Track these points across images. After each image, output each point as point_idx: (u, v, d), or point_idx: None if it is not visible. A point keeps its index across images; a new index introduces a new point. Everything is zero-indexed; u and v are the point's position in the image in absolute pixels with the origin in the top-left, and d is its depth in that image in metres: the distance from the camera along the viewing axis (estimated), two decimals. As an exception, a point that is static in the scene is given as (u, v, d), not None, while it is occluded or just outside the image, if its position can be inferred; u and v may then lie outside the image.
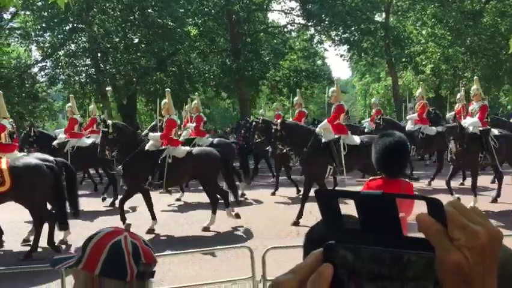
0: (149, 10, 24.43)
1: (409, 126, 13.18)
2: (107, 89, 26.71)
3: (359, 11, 26.23)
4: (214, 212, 8.69)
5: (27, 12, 24.80)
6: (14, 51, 29.50)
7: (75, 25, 25.27)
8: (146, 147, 8.87)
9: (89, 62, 26.34)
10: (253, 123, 11.97)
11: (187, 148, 9.36)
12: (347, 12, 25.90)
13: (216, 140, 12.71)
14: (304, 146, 8.97)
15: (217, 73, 27.29)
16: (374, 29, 27.37)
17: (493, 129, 10.12)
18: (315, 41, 30.29)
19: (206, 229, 8.60)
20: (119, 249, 1.33)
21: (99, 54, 25.33)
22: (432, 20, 26.73)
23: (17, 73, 25.59)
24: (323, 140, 9.16)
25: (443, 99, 29.42)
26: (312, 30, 29.32)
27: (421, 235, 0.52)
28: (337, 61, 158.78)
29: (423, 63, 27.84)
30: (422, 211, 0.53)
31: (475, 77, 11.98)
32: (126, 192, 8.98)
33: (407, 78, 30.82)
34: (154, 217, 8.76)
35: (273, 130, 9.28)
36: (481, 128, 9.76)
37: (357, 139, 9.46)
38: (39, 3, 22.62)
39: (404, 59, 28.04)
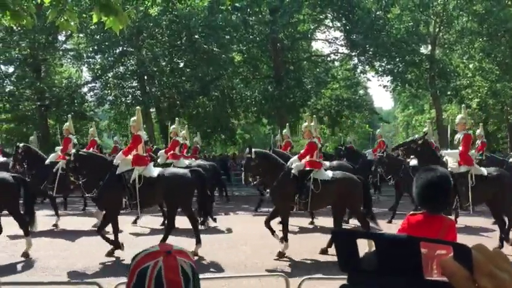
0: (196, 36, 25.06)
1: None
2: (151, 110, 27.41)
3: (404, 43, 26.02)
4: (27, 235, 8.50)
5: (81, 35, 25.89)
6: (66, 71, 30.87)
7: (125, 48, 26.21)
8: None
9: (136, 84, 27.22)
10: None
11: None
12: (392, 43, 25.75)
13: None
14: (101, 179, 8.76)
15: (258, 99, 27.53)
16: (419, 61, 27.02)
17: (326, 172, 9.17)
18: (358, 71, 30.17)
19: (25, 255, 8.37)
20: (143, 278, 1.26)
21: (146, 77, 26.11)
22: (480, 54, 26.22)
23: (68, 92, 26.70)
24: (117, 172, 8.92)
25: (490, 134, 28.57)
26: (356, 60, 29.23)
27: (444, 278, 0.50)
28: (379, 91, 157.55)
29: (470, 97, 27.21)
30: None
31: (310, 116, 10.97)
32: None
33: (452, 112, 30.16)
34: None
35: (67, 161, 9.02)
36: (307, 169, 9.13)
37: (155, 172, 9.05)
38: (93, 27, 23.60)
39: (449, 92, 27.46)
